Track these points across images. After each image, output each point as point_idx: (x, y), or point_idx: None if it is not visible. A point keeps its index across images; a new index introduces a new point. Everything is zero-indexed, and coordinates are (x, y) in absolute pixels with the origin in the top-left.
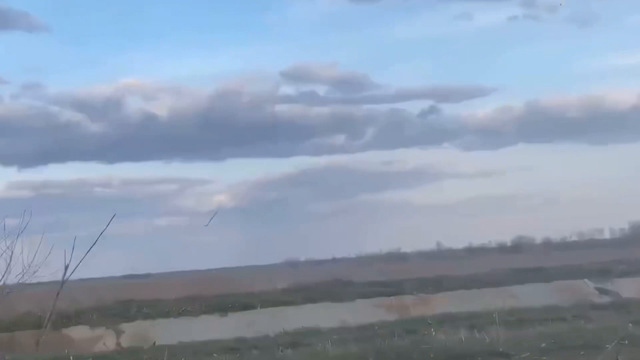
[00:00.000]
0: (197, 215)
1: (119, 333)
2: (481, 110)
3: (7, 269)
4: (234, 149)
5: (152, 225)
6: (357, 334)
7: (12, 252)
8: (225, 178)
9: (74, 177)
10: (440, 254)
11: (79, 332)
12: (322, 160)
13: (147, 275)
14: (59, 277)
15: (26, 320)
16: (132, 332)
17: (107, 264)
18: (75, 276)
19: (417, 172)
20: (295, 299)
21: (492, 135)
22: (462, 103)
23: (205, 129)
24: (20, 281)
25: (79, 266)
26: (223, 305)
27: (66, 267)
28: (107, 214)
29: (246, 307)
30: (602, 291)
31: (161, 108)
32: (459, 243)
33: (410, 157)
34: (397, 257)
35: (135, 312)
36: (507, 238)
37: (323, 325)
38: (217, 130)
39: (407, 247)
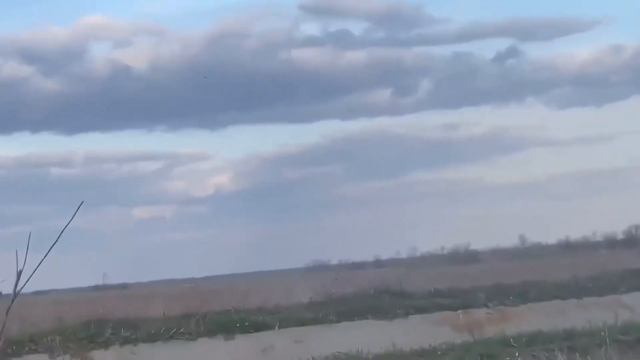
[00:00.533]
0: (189, 203)
1: None
2: (580, 51)
3: None
4: (238, 113)
5: (129, 217)
6: None
7: None
8: (227, 152)
9: (21, 153)
10: (525, 252)
11: None
12: (359, 126)
13: (124, 286)
14: (7, 289)
15: None
16: None
17: (72, 271)
18: (29, 288)
19: (491, 139)
20: (326, 316)
21: (595, 86)
22: (554, 42)
23: (199, 85)
24: None
25: (34, 274)
26: (228, 324)
27: (18, 276)
28: (69, 203)
29: (259, 326)
30: None
31: (138, 57)
32: (550, 236)
33: (482, 119)
34: (465, 257)
35: (110, 336)
36: (618, 229)
37: (365, 350)
38: (215, 87)
39: (479, 244)
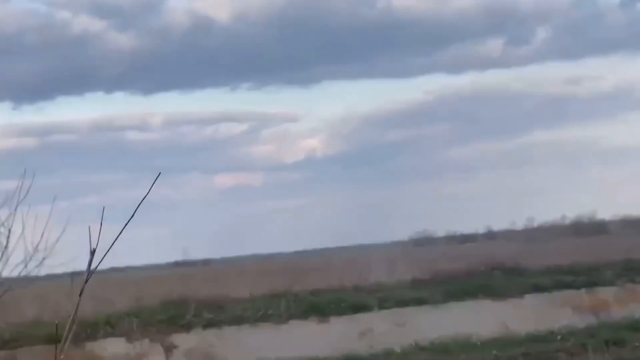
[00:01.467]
0: (278, 169)
1: (169, 349)
2: None
3: (2, 255)
4: (332, 67)
5: (211, 186)
6: (529, 347)
7: (9, 231)
8: (320, 111)
9: (93, 116)
10: None
11: (112, 348)
12: (468, 81)
13: (207, 262)
14: (80, 266)
15: (34, 332)
16: (189, 346)
17: (149, 245)
18: (104, 265)
19: (619, 94)
20: (431, 296)
21: None
22: None
23: (288, 37)
24: (23, 273)
25: (110, 251)
26: (322, 305)
27: (92, 253)
28: (146, 170)
29: (357, 307)
30: None
31: (220, 8)
32: None
33: (608, 72)
34: (590, 229)
35: (192, 318)
36: None
37: (475, 333)
38: (306, 38)
39: (607, 213)
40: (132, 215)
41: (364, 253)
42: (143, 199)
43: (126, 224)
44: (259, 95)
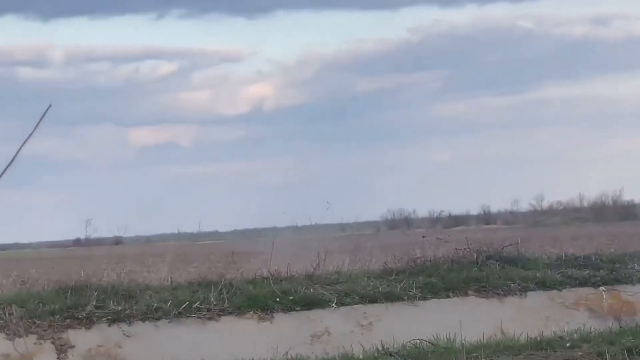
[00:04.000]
0: (214, 123)
1: (63, 348)
2: None
3: None
4: None
5: (126, 142)
6: (529, 356)
7: None
8: (271, 50)
9: None
10: None
11: None
12: (466, 16)
13: (117, 241)
14: None
15: None
16: (89, 346)
17: (43, 217)
18: None
19: None
20: (406, 290)
21: None
22: None
23: None
24: None
25: None
26: (263, 298)
27: None
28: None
29: (309, 302)
30: None
31: None
32: None
33: None
34: (612, 211)
35: (95, 310)
36: None
37: (461, 337)
38: None
39: (635, 192)
40: (8, 166)
41: (321, 235)
42: (24, 142)
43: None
44: (193, 25)
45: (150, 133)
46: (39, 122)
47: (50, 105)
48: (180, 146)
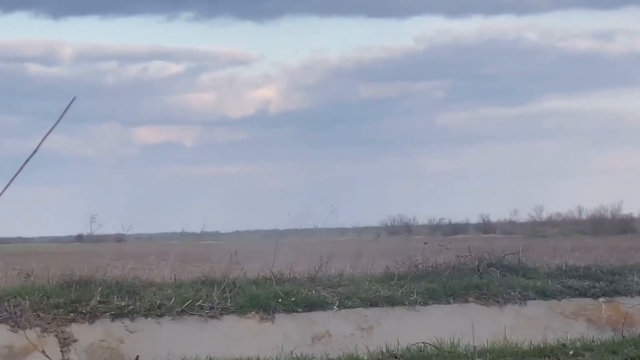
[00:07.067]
0: (218, 125)
1: (66, 342)
2: None
3: None
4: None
5: (131, 141)
6: None
7: None
8: (277, 54)
9: None
10: None
11: None
12: (471, 27)
13: (120, 238)
14: None
15: None
16: (92, 340)
17: (48, 213)
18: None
19: None
20: (407, 295)
21: None
22: None
23: None
24: None
25: None
26: (266, 298)
27: None
28: (48, 116)
29: (311, 304)
30: None
31: None
32: None
33: None
34: (612, 224)
35: (98, 305)
36: None
37: (463, 341)
38: None
39: (635, 206)
40: (22, 167)
41: (324, 238)
42: (42, 140)
43: (12, 180)
44: (201, 28)
45: (156, 133)
46: (62, 115)
47: (74, 98)
48: (185, 146)
